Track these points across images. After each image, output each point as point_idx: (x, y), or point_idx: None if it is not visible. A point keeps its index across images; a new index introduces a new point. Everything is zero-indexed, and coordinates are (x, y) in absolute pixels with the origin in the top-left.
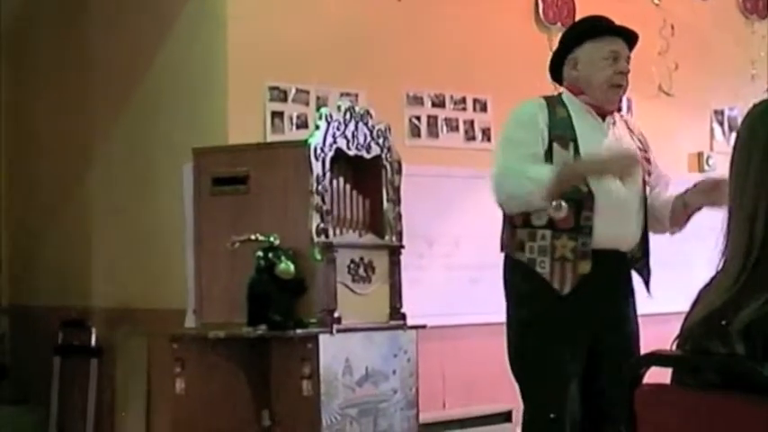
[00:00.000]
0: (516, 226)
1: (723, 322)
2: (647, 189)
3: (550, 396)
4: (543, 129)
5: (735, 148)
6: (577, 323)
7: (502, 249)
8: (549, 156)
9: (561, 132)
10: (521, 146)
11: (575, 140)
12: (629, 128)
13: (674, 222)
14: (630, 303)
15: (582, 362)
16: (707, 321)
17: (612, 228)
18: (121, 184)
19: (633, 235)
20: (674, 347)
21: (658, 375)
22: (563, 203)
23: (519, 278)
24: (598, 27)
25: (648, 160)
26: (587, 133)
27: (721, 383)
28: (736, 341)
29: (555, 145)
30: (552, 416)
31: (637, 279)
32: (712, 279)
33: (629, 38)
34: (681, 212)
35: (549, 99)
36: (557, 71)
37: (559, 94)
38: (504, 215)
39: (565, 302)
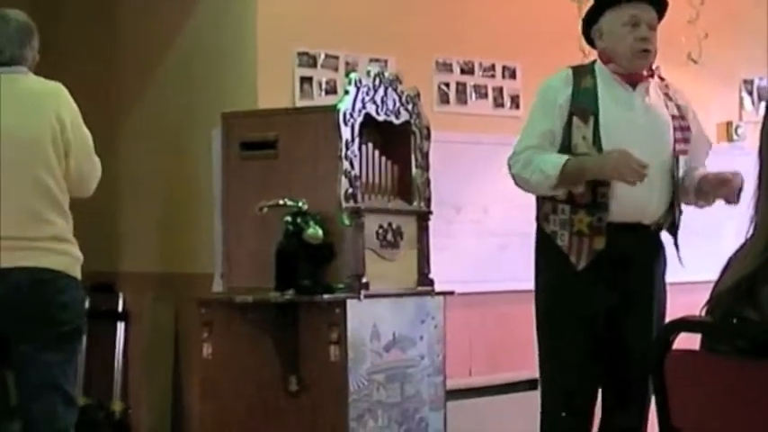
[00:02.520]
0: (544, 198)
1: (753, 289)
2: (683, 158)
3: (560, 369)
4: (562, 105)
5: (765, 116)
6: (592, 298)
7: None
8: (568, 130)
9: (583, 105)
10: (538, 123)
11: (596, 114)
12: (667, 93)
13: (699, 197)
14: (656, 275)
15: (598, 340)
16: (737, 288)
17: (633, 201)
18: (151, 150)
19: (656, 207)
20: (703, 314)
21: (687, 342)
22: None
23: (543, 248)
24: None
25: (686, 128)
26: (611, 105)
27: (752, 350)
28: (767, 308)
29: (575, 119)
30: (560, 390)
31: (671, 248)
32: (742, 246)
33: (654, 2)
34: (702, 195)
35: (577, 69)
36: (591, 41)
37: (593, 62)
38: None
39: (580, 277)
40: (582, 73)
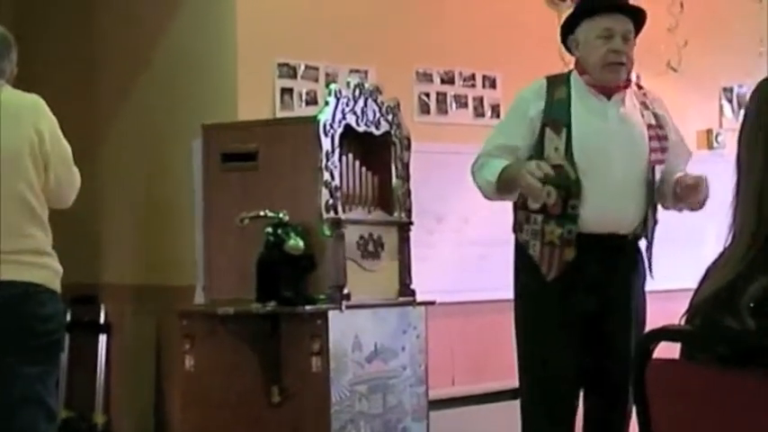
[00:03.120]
0: (517, 207)
1: (732, 298)
2: (659, 167)
3: (540, 376)
4: (534, 117)
5: (743, 123)
6: (565, 308)
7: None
8: (540, 141)
9: (555, 116)
10: (502, 135)
11: (568, 125)
12: (644, 103)
13: (677, 202)
14: (634, 284)
15: (576, 348)
16: (716, 296)
17: (607, 212)
18: (131, 162)
19: (633, 217)
20: (682, 323)
21: (668, 352)
22: (552, 190)
23: (519, 256)
24: (592, 5)
25: (663, 137)
26: (585, 116)
27: (732, 358)
28: (746, 316)
29: (547, 130)
30: (540, 398)
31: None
32: (721, 254)
33: (630, 13)
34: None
35: (552, 80)
36: (569, 50)
37: (569, 72)
38: None
39: (552, 287)
40: (557, 83)
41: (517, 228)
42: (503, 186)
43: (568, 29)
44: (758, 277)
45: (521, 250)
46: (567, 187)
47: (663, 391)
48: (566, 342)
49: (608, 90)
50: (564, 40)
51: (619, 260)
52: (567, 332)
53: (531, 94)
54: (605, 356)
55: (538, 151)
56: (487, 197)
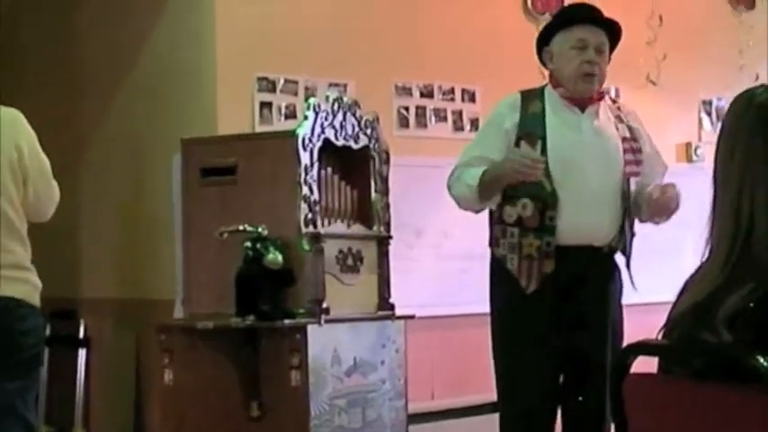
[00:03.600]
0: (493, 222)
1: (709, 312)
2: (634, 179)
3: (518, 389)
4: (509, 130)
5: (719, 137)
6: (544, 321)
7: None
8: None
9: (530, 129)
10: (479, 147)
11: (543, 138)
12: (618, 116)
13: (650, 214)
14: (610, 296)
15: (554, 360)
16: (693, 311)
17: (582, 224)
18: (111, 175)
19: (608, 229)
20: (659, 337)
21: (646, 366)
22: (528, 202)
23: (495, 271)
24: (567, 16)
25: (638, 150)
26: (559, 129)
27: (708, 372)
28: (723, 330)
29: (522, 143)
30: (519, 412)
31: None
32: (698, 269)
33: (605, 26)
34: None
35: (526, 94)
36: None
37: (543, 87)
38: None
39: (531, 300)
40: (531, 97)
41: (493, 243)
42: (485, 188)
43: (543, 41)
44: (735, 291)
45: (497, 265)
46: (544, 199)
47: (640, 404)
48: (544, 355)
49: (582, 102)
50: (539, 53)
51: (594, 272)
52: (544, 346)
53: (505, 107)
54: (582, 369)
55: None
56: (466, 206)
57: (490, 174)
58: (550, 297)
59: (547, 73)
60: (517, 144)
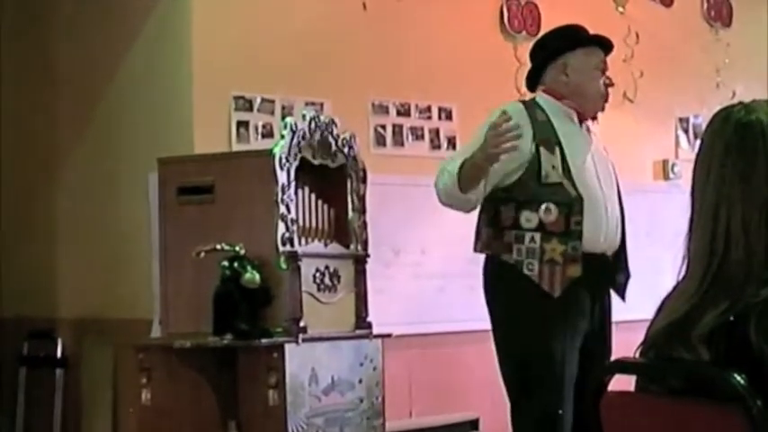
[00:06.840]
0: (505, 227)
1: (686, 330)
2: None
3: (551, 394)
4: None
5: (696, 156)
6: (568, 324)
7: (475, 250)
8: (537, 160)
9: (545, 136)
10: (470, 146)
11: (559, 144)
12: (595, 134)
13: None
14: (610, 310)
15: (577, 363)
16: (670, 329)
17: (599, 231)
18: (87, 194)
19: (616, 238)
20: (637, 355)
21: (623, 384)
22: (553, 207)
23: (506, 280)
24: (589, 37)
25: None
26: (570, 137)
27: (685, 390)
28: (700, 348)
29: (542, 149)
30: (560, 412)
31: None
32: (675, 287)
33: (609, 50)
34: None
35: (525, 103)
36: (535, 75)
37: (533, 99)
38: (485, 217)
39: (555, 304)
40: (531, 107)
41: (502, 250)
42: (465, 175)
43: (558, 51)
44: (710, 310)
45: (505, 270)
46: (569, 203)
47: (617, 423)
48: (570, 369)
49: (583, 117)
50: (544, 60)
51: (605, 282)
52: (569, 357)
53: (514, 110)
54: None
55: (534, 170)
56: (448, 199)
57: (469, 160)
58: (571, 302)
59: (525, 91)
60: (537, 151)
